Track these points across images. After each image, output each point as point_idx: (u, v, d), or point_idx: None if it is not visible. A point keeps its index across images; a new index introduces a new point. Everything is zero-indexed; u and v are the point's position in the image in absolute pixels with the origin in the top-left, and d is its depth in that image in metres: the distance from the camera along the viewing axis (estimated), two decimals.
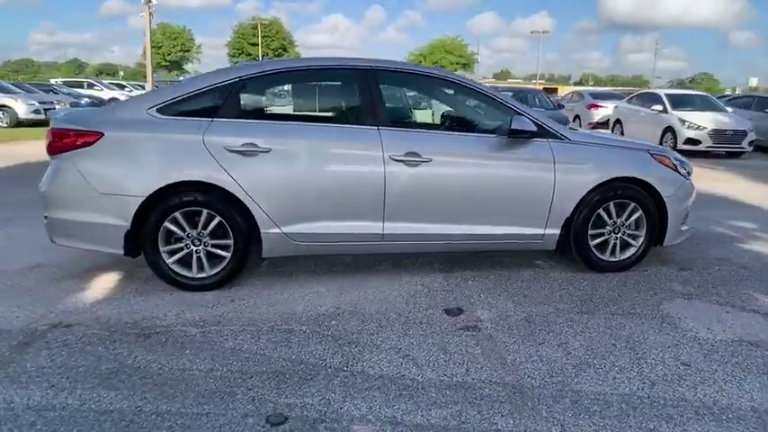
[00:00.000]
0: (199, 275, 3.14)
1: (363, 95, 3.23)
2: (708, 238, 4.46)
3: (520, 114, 3.28)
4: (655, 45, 73.80)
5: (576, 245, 3.46)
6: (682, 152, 9.83)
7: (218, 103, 3.12)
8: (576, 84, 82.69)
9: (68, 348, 2.41)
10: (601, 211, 3.45)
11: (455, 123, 3.55)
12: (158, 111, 3.07)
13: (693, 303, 3.06)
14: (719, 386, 2.13)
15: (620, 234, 3.54)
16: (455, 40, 59.86)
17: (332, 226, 3.19)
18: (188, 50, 59.89)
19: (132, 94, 25.05)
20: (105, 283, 3.26)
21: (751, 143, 10.94)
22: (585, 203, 3.39)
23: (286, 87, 3.68)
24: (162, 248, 3.07)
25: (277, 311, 2.87)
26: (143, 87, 26.23)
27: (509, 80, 73.86)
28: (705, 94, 14.79)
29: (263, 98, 3.53)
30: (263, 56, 52.26)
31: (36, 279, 3.30)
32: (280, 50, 57.53)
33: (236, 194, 3.02)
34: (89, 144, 2.97)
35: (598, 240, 3.52)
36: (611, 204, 3.46)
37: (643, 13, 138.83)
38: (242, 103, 3.21)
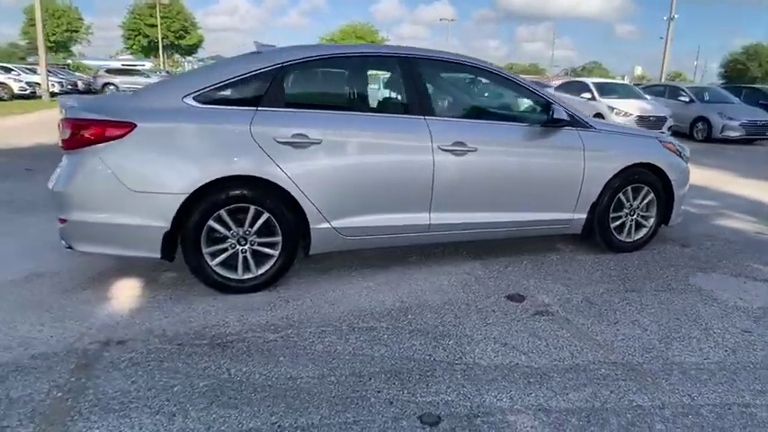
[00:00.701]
0: (245, 276, 2.94)
1: (409, 84, 3.18)
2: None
3: (555, 104, 3.42)
4: (550, 35, 78.91)
5: (599, 228, 3.70)
6: None
7: (261, 90, 2.91)
8: None
9: (142, 367, 2.16)
10: (621, 195, 3.72)
11: (494, 112, 3.60)
12: (195, 99, 2.80)
13: (712, 276, 3.42)
14: None
15: (634, 216, 3.83)
16: (366, 25, 59.95)
17: (381, 219, 3.13)
18: (76, 31, 54.11)
19: (22, 77, 22.16)
20: (125, 290, 2.94)
21: (669, 128, 12.23)
22: (609, 188, 3.63)
23: (329, 74, 3.51)
24: (205, 250, 2.83)
25: (344, 309, 2.78)
26: (35, 72, 23.24)
27: None
28: (625, 82, 16.27)
29: (308, 86, 3.34)
30: (162, 38, 48.59)
31: (40, 291, 2.89)
32: (181, 32, 53.86)
33: (287, 189, 2.86)
34: (119, 136, 2.64)
35: (617, 223, 3.78)
36: (629, 189, 3.73)
37: (538, 3, 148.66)
38: (286, 90, 3.01)
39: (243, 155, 2.80)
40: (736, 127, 12.72)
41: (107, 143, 2.64)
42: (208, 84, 2.84)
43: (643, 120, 12.20)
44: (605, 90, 13.93)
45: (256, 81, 2.91)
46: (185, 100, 2.79)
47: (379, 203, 3.11)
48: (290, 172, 2.85)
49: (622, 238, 3.82)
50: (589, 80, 14.95)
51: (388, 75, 3.21)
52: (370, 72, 3.34)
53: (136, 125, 2.65)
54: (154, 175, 2.71)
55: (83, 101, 2.97)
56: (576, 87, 14.50)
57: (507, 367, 2.21)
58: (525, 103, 3.49)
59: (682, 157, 3.97)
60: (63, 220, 2.72)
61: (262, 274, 2.96)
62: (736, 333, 2.58)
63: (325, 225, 3.00)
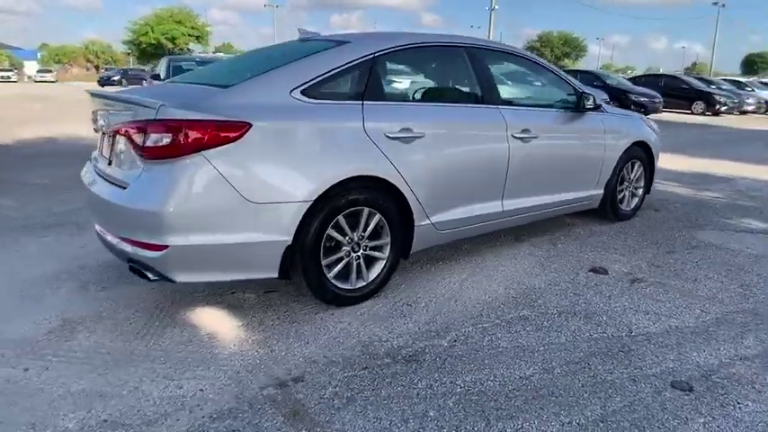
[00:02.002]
0: (358, 285, 2.73)
1: (482, 74, 3.22)
2: None
3: (585, 91, 3.77)
4: (363, 23, 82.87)
5: (611, 200, 4.21)
6: None
7: (362, 83, 2.70)
8: None
9: (361, 401, 1.91)
10: (624, 170, 4.26)
11: (542, 100, 3.80)
12: (303, 93, 2.49)
13: (708, 232, 4.15)
14: None
15: (630, 188, 4.43)
16: (183, 9, 55.96)
17: (468, 210, 3.16)
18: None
19: None
20: (219, 323, 2.52)
21: None
22: (618, 165, 4.15)
23: (417, 65, 3.31)
24: (323, 261, 2.56)
25: (469, 304, 2.75)
26: None
27: (239, 52, 72.38)
28: None
29: (398, 77, 3.12)
30: None
31: (125, 339, 2.32)
32: None
33: (399, 186, 2.72)
34: (234, 139, 2.23)
35: (620, 196, 4.34)
36: (629, 164, 4.30)
37: None
38: (383, 82, 2.82)
39: (361, 153, 2.59)
40: None
41: (220, 147, 2.21)
42: (312, 76, 2.54)
43: None
44: None
45: (354, 72, 2.69)
46: (293, 94, 2.46)
47: (468, 194, 3.13)
48: (401, 169, 2.71)
49: (623, 207, 4.40)
50: None
51: (467, 64, 3.19)
52: (450, 62, 3.28)
53: (251, 125, 2.26)
54: (274, 183, 2.35)
55: (178, 96, 2.41)
56: None
57: (672, 332, 2.47)
58: (562, 89, 3.76)
59: (656, 133, 4.69)
60: (156, 247, 2.21)
61: (372, 281, 2.78)
62: None
63: (426, 221, 2.93)
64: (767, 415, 1.86)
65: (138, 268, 2.34)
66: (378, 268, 2.79)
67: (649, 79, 21.45)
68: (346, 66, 2.65)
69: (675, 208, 4.92)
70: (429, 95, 3.14)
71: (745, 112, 20.88)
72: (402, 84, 3.09)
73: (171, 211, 2.16)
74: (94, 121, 2.80)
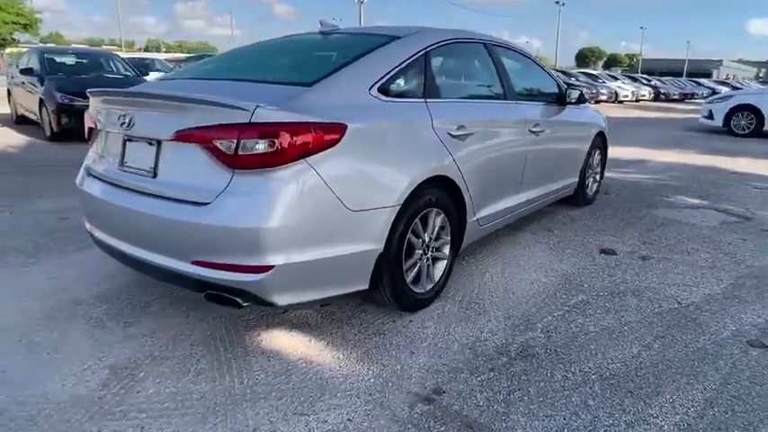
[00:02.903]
0: (427, 288, 2.70)
1: (502, 70, 3.35)
2: None
3: (571, 86, 4.11)
4: (208, 12, 79.82)
5: (581, 187, 4.64)
6: None
7: (420, 79, 2.66)
8: (143, 49, 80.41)
9: (523, 401, 1.93)
10: (590, 158, 4.73)
11: (542, 94, 4.00)
12: (379, 91, 2.38)
13: (663, 210, 4.79)
14: None
15: (592, 174, 4.93)
16: None
17: (500, 203, 3.29)
18: None
19: None
20: (295, 338, 2.34)
21: None
22: (588, 154, 4.59)
23: (459, 61, 3.23)
24: (404, 266, 2.49)
25: (528, 295, 2.89)
26: None
27: (74, 44, 64.15)
28: None
29: (445, 73, 3.03)
30: None
31: (219, 386, 2.03)
32: None
33: (459, 185, 2.75)
34: (334, 142, 2.08)
35: (586, 182, 4.80)
36: (593, 152, 4.78)
37: None
38: (436, 79, 2.79)
39: (434, 153, 2.57)
40: None
41: (323, 152, 2.04)
42: (383, 72, 2.44)
43: None
44: None
45: (415, 69, 2.65)
46: (372, 92, 2.35)
47: (501, 188, 3.27)
48: (461, 167, 2.74)
49: (589, 193, 4.88)
50: None
51: (492, 61, 3.28)
52: (477, 58, 3.32)
53: (347, 126, 2.12)
54: (369, 188, 2.23)
55: (266, 96, 2.10)
56: None
57: (710, 300, 2.85)
58: (551, 84, 4.04)
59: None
60: (257, 269, 1.97)
61: (437, 282, 2.78)
62: (738, 239, 3.86)
63: (474, 218, 3.00)
64: None
65: (221, 295, 2.07)
66: (440, 269, 2.79)
67: None
68: (408, 61, 2.59)
69: (618, 191, 5.58)
70: (469, 92, 3.19)
71: (599, 102, 24.04)
72: (448, 80, 3.09)
73: (276, 227, 1.94)
74: (98, 122, 2.40)
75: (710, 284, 3.05)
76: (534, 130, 3.48)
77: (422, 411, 1.88)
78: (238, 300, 2.05)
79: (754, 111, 10.64)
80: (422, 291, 2.64)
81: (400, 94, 2.53)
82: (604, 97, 24.56)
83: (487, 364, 2.18)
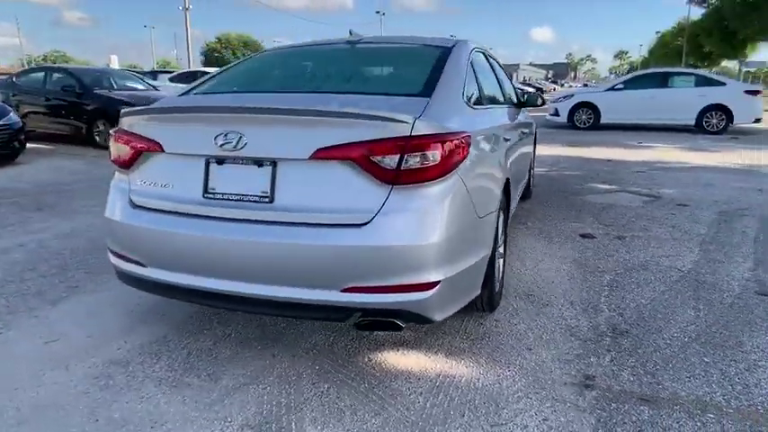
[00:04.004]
0: (498, 287, 2.84)
1: (500, 76, 3.62)
2: None
3: (525, 89, 4.58)
4: None
5: (529, 181, 5.20)
6: None
7: (477, 87, 2.81)
8: None
9: (665, 369, 2.19)
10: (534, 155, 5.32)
11: (511, 98, 4.31)
12: (468, 100, 2.47)
13: (592, 196, 5.56)
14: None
15: (532, 169, 5.53)
16: None
17: (513, 201, 3.58)
18: None
19: None
20: (391, 354, 2.33)
21: None
22: (534, 151, 5.16)
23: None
24: (495, 267, 2.61)
25: (581, 280, 3.22)
26: None
27: None
28: None
29: (481, 81, 3.07)
30: None
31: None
32: None
33: (511, 184, 2.97)
34: (469, 153, 2.11)
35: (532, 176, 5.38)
36: (534, 149, 5.37)
37: None
38: (482, 87, 2.93)
39: (504, 155, 2.75)
40: None
41: (465, 162, 2.07)
42: (462, 82, 2.51)
43: None
44: None
45: (472, 78, 2.76)
46: (464, 100, 2.42)
47: (515, 187, 3.54)
48: (510, 168, 2.95)
49: (531, 186, 5.47)
50: (214, 70, 15.48)
51: (491, 66, 3.51)
52: (486, 65, 3.46)
53: (470, 135, 2.17)
54: (486, 194, 2.33)
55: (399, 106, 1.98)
56: (201, 77, 14.82)
57: (702, 265, 3.49)
58: (511, 87, 4.44)
59: None
60: (425, 286, 1.93)
61: (501, 279, 2.94)
62: (668, 214, 4.72)
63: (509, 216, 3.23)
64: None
65: (377, 320, 1.96)
66: (500, 265, 2.95)
67: None
68: (468, 71, 2.69)
69: (540, 182, 6.31)
70: (495, 98, 3.36)
71: None
72: (484, 88, 3.22)
73: (439, 242, 1.92)
74: (164, 144, 2.07)
75: (687, 253, 3.72)
76: (521, 130, 3.84)
77: (594, 397, 2.03)
78: (398, 322, 1.96)
79: (592, 107, 12.79)
80: (498, 290, 2.77)
81: (477, 102, 2.64)
82: None
83: (600, 346, 2.41)
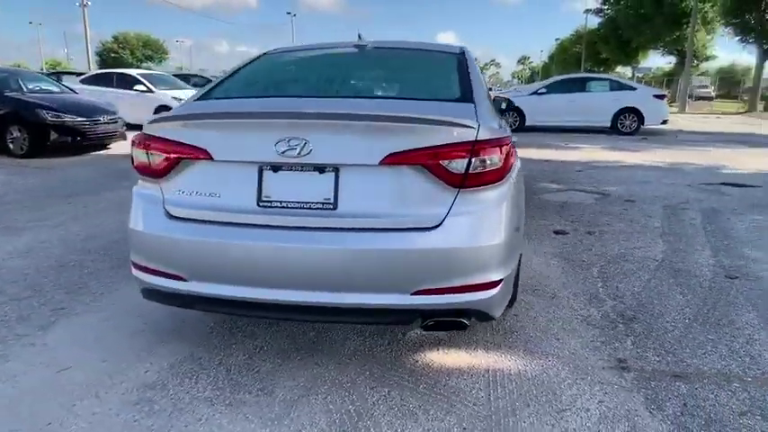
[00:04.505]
0: None
1: None
2: None
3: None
4: None
5: None
6: None
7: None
8: None
9: (684, 342, 2.45)
10: None
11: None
12: (491, 102, 2.62)
13: (547, 194, 5.94)
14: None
15: None
16: None
17: None
18: None
19: None
20: (452, 356, 2.44)
21: None
22: None
23: None
24: None
25: (570, 268, 3.47)
26: None
27: None
28: (161, 72, 16.73)
29: None
30: None
31: None
32: None
33: None
34: (516, 157, 2.28)
35: None
36: None
37: None
38: None
39: None
40: None
41: (514, 165, 2.21)
42: (486, 86, 2.65)
43: None
44: (157, 81, 14.25)
45: None
46: (493, 106, 2.56)
47: None
48: None
49: None
50: (134, 72, 14.62)
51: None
52: None
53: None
54: (522, 195, 2.48)
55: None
56: (119, 79, 14.01)
57: (673, 254, 3.88)
58: None
59: None
60: (491, 285, 2.03)
61: None
62: (621, 209, 5.18)
63: None
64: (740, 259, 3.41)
65: (444, 320, 2.03)
66: None
67: None
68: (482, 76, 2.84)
69: None
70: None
71: None
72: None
73: (503, 242, 2.03)
74: (212, 151, 2.00)
75: (654, 244, 4.12)
76: None
77: (633, 378, 2.23)
78: (464, 321, 2.03)
79: (517, 111, 13.57)
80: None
81: (496, 107, 2.78)
82: None
83: (617, 332, 2.64)
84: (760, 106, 27.35)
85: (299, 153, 1.92)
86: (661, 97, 12.90)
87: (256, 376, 2.23)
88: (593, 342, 2.54)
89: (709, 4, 27.88)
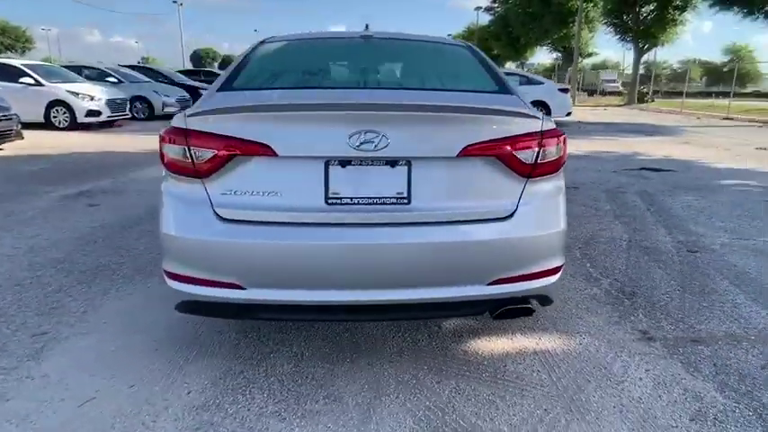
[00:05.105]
0: None
1: None
2: None
3: None
4: None
5: None
6: (83, 125, 11.29)
7: None
8: None
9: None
10: None
11: None
12: None
13: None
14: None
15: None
16: None
17: None
18: None
19: None
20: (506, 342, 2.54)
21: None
22: None
23: None
24: None
25: None
26: None
27: None
28: (49, 64, 14.98)
29: None
30: None
31: None
32: None
33: None
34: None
35: None
36: None
37: None
38: None
39: None
40: (174, 103, 15.28)
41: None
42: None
43: (112, 102, 12.58)
44: (46, 73, 12.83)
45: None
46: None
47: None
48: None
49: None
50: (17, 62, 12.96)
51: None
52: None
53: None
54: None
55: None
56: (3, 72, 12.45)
57: (635, 232, 4.27)
58: None
59: None
60: (555, 270, 2.13)
61: None
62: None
63: None
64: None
65: (516, 308, 2.09)
66: None
67: None
68: None
69: None
70: None
71: None
72: None
73: (565, 228, 2.15)
74: (277, 147, 1.88)
75: (614, 226, 4.51)
76: None
77: (662, 346, 2.46)
78: (531, 307, 2.11)
79: None
80: None
81: None
82: None
83: (626, 307, 2.89)
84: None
85: (375, 147, 1.87)
86: (565, 91, 14.02)
87: (314, 384, 2.14)
88: (611, 318, 2.75)
89: (591, 5, 30.74)
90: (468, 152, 1.92)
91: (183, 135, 1.94)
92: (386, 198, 1.93)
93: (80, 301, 2.90)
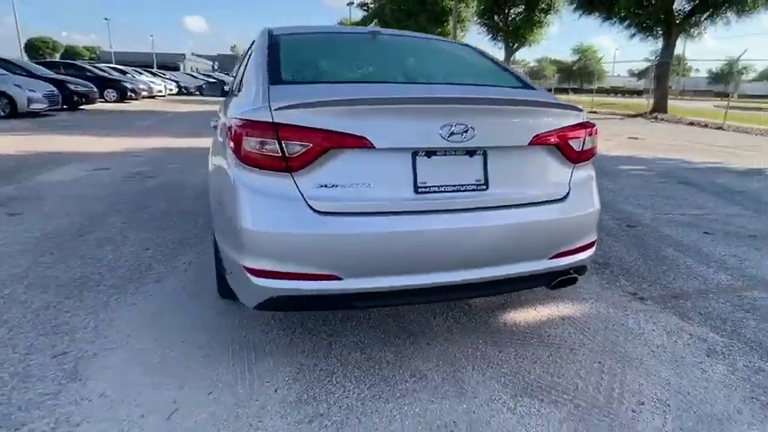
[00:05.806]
0: None
1: None
2: None
3: None
4: None
5: None
6: None
7: None
8: None
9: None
10: None
11: None
12: None
13: None
14: None
15: None
16: None
17: None
18: None
19: None
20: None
21: None
22: None
23: None
24: None
25: None
26: None
27: None
28: None
29: None
30: None
31: None
32: None
33: None
34: None
35: None
36: None
37: None
38: None
39: None
40: (42, 99, 13.62)
41: None
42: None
43: None
44: None
45: None
46: None
47: None
48: None
49: None
50: None
51: None
52: None
53: None
54: None
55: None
56: None
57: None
58: None
59: None
60: (592, 244, 2.47)
61: None
62: None
63: None
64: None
65: (565, 279, 2.41)
66: None
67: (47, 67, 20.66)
68: None
69: None
70: None
71: (146, 98, 24.11)
72: None
73: (599, 208, 2.50)
74: (371, 141, 1.98)
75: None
76: None
77: (655, 303, 2.95)
78: (576, 276, 2.44)
79: None
80: None
81: None
82: (145, 93, 24.64)
83: (609, 274, 3.38)
84: None
85: (462, 137, 2.05)
86: None
87: (393, 368, 2.26)
88: (602, 284, 3.22)
89: (463, 5, 32.93)
90: (536, 141, 2.19)
91: (271, 128, 1.94)
92: (468, 185, 2.12)
93: (81, 316, 2.67)
